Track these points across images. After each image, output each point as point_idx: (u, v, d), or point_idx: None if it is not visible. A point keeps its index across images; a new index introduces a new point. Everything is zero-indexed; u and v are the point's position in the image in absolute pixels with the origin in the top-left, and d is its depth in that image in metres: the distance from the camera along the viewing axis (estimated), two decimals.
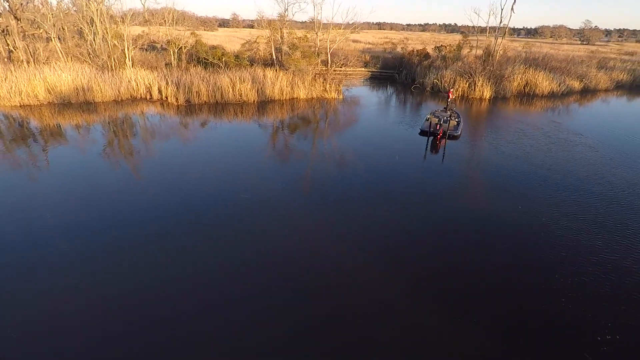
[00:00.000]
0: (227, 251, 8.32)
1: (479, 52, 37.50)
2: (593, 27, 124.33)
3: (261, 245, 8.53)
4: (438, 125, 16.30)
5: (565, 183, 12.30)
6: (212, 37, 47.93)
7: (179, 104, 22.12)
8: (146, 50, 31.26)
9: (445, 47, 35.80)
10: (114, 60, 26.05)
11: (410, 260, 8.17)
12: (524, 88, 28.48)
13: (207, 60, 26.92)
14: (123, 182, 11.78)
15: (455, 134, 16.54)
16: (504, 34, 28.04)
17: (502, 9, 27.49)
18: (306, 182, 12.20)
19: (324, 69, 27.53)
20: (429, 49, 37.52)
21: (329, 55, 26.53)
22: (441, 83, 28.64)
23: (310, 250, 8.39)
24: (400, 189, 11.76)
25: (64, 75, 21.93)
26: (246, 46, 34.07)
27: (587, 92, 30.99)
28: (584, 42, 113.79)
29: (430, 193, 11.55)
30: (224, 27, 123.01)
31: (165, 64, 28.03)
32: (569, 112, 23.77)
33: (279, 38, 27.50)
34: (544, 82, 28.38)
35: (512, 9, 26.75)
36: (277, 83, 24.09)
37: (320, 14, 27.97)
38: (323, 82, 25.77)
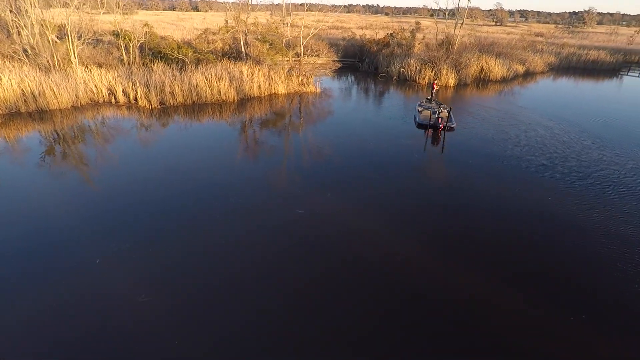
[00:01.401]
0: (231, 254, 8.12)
1: (432, 36, 39.43)
2: (501, 9, 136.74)
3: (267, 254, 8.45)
4: (440, 119, 17.07)
5: (573, 171, 13.82)
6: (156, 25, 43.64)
7: (153, 106, 20.17)
8: (90, 44, 27.67)
9: (398, 33, 36.91)
10: (57, 58, 22.72)
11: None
12: (480, 74, 30.75)
13: (171, 55, 24.63)
14: (102, 196, 10.67)
15: (452, 126, 17.46)
16: (462, 22, 29.67)
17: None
18: (308, 185, 11.97)
19: (294, 60, 26.89)
20: (381, 35, 38.50)
21: (301, 47, 25.88)
22: (407, 71, 29.71)
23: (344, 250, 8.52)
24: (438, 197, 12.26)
25: (5, 79, 18.67)
26: (203, 37, 31.86)
27: (529, 75, 34.49)
28: (498, 24, 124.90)
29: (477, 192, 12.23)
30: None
31: (120, 61, 25.13)
32: (529, 97, 26.19)
33: (244, 28, 26.06)
34: (495, 68, 30.91)
35: None
36: (254, 79, 23.07)
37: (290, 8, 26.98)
38: (298, 76, 25.25)
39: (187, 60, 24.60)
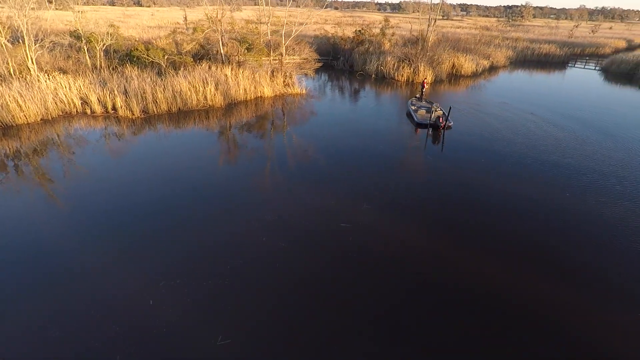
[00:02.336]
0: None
1: (403, 32, 40.22)
2: (445, 2, 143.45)
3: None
4: (440, 118, 17.45)
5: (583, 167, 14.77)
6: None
7: (135, 116, 18.66)
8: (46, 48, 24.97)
9: (366, 31, 37.10)
10: (13, 65, 20.29)
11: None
12: (452, 70, 31.94)
13: (146, 59, 22.88)
14: (94, 216, 9.84)
15: (450, 124, 17.94)
16: (435, 20, 30.53)
17: None
18: (323, 189, 11.89)
19: (274, 60, 26.17)
20: (349, 32, 38.64)
21: (283, 47, 25.24)
22: (385, 69, 30.10)
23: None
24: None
25: None
26: (172, 37, 30.03)
27: (493, 69, 36.44)
28: (445, 17, 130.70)
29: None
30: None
31: (85, 66, 22.95)
32: (506, 92, 27.55)
33: (219, 28, 24.84)
34: (466, 64, 32.27)
35: None
36: (240, 83, 22.16)
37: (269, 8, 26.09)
38: (283, 77, 24.64)
39: (163, 63, 23.02)
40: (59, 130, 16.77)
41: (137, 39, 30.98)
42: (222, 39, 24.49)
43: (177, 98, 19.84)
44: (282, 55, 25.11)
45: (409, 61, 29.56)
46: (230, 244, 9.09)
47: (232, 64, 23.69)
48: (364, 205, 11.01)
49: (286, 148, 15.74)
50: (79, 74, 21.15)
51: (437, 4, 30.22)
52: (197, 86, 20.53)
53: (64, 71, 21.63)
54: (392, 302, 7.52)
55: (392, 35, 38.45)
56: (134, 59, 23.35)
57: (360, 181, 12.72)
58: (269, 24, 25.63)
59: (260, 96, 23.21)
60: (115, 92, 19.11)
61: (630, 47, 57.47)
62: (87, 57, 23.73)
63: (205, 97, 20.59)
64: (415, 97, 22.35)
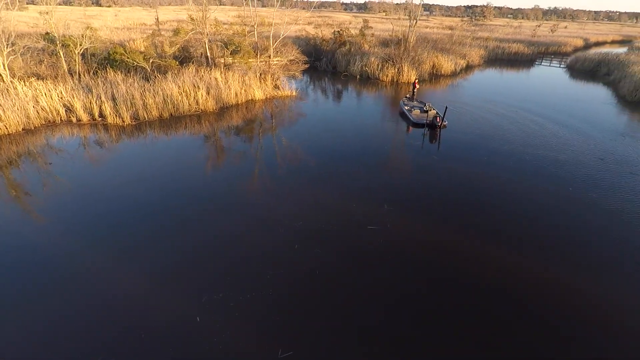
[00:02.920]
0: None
1: (377, 32, 40.87)
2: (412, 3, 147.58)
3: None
4: (438, 118, 17.90)
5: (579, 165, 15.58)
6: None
7: (125, 123, 17.86)
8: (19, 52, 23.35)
9: (344, 32, 37.34)
10: None
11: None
12: (432, 70, 32.82)
13: (131, 63, 21.91)
14: (92, 225, 9.52)
15: (445, 124, 18.44)
16: (416, 20, 31.23)
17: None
18: (332, 190, 12.02)
19: (261, 62, 25.85)
20: (327, 33, 38.88)
21: (272, 49, 24.97)
22: (370, 70, 30.49)
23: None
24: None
25: None
26: (151, 39, 29.00)
27: (470, 68, 37.79)
28: (403, 19, 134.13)
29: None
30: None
31: (63, 71, 21.68)
32: (489, 90, 28.64)
33: (205, 30, 24.22)
34: (445, 64, 33.26)
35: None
36: (231, 86, 21.72)
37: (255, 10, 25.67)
38: (272, 80, 24.41)
39: (148, 67, 22.15)
40: (45, 140, 15.76)
41: (112, 42, 29.63)
42: (207, 41, 23.90)
43: (168, 103, 19.19)
44: (269, 57, 24.84)
45: (392, 62, 30.08)
46: (260, 255, 8.94)
47: (220, 67, 23.17)
48: (385, 207, 11.14)
49: (288, 150, 15.60)
50: (57, 80, 19.94)
51: (418, 5, 30.79)
52: (188, 91, 19.94)
53: (40, 77, 20.34)
54: (406, 299, 7.68)
55: (372, 36, 38.99)
56: (116, 62, 22.30)
57: (366, 180, 12.91)
58: (255, 26, 25.25)
59: (252, 99, 22.86)
60: (103, 98, 18.21)
61: (587, 46, 61.45)
62: (63, 62, 22.40)
63: (197, 102, 20.04)
64: (406, 97, 22.80)
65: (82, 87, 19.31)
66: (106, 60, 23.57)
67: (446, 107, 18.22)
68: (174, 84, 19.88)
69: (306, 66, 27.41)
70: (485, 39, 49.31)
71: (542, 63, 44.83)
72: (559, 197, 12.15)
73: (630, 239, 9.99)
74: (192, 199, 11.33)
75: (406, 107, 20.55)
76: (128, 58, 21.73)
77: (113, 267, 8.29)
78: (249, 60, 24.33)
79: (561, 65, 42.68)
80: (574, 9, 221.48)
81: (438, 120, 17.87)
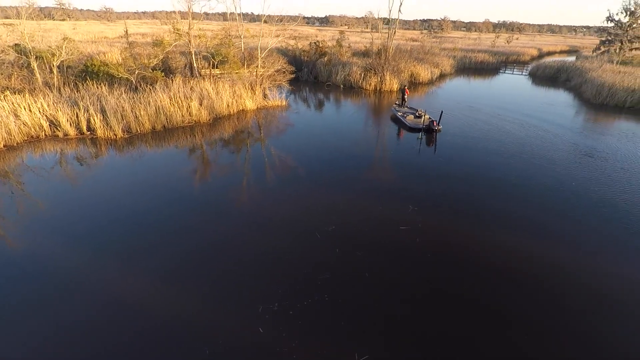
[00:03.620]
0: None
1: (355, 45, 41.91)
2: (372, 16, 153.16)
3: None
4: (435, 122, 18.49)
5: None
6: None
7: (118, 136, 16.99)
8: None
9: (320, 43, 38.01)
10: None
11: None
12: (411, 78, 34.02)
13: (116, 75, 20.93)
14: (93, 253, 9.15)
15: (440, 128, 19.09)
16: (394, 32, 32.35)
17: (390, 10, 31.61)
18: (344, 198, 12.20)
19: (249, 72, 25.67)
20: (302, 44, 39.52)
21: (259, 59, 24.83)
22: (353, 79, 31.11)
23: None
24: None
25: None
26: (129, 51, 27.96)
27: (443, 76, 39.55)
28: (374, 30, 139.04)
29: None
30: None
31: (44, 84, 20.35)
32: (468, 96, 29.99)
33: (192, 41, 23.74)
34: (422, 72, 34.62)
35: (399, 10, 31.16)
36: (223, 97, 21.34)
37: (239, 7, 25.51)
38: (262, 90, 24.25)
39: (133, 79, 21.28)
40: (31, 156, 14.64)
41: (82, 55, 28.27)
42: (193, 52, 23.41)
43: (161, 115, 18.51)
44: (257, 68, 24.70)
45: (374, 71, 30.88)
46: (305, 261, 8.75)
47: (208, 78, 22.71)
48: (410, 207, 11.30)
49: (289, 159, 15.32)
50: (35, 93, 18.67)
51: (395, 19, 31.90)
52: (181, 102, 19.36)
53: (15, 91, 18.95)
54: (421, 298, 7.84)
55: (349, 47, 39.92)
56: (97, 75, 21.26)
57: (372, 184, 13.04)
58: (242, 36, 25.07)
59: (243, 109, 22.57)
60: (91, 111, 17.24)
61: (541, 55, 66.34)
62: (38, 74, 21.03)
63: (190, 113, 19.49)
64: (396, 103, 23.43)
65: (66, 100, 18.19)
66: (84, 72, 22.43)
67: (441, 112, 18.91)
68: (165, 95, 19.23)
69: (292, 76, 27.47)
70: (452, 49, 51.90)
71: (506, 71, 47.76)
72: (567, 190, 12.89)
73: (619, 221, 10.76)
74: (212, 212, 10.90)
75: (399, 113, 21.10)
76: (113, 70, 20.75)
77: (151, 288, 7.78)
78: (238, 70, 24.06)
79: (523, 73, 45.68)
80: (521, 22, 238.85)
81: (435, 124, 18.47)
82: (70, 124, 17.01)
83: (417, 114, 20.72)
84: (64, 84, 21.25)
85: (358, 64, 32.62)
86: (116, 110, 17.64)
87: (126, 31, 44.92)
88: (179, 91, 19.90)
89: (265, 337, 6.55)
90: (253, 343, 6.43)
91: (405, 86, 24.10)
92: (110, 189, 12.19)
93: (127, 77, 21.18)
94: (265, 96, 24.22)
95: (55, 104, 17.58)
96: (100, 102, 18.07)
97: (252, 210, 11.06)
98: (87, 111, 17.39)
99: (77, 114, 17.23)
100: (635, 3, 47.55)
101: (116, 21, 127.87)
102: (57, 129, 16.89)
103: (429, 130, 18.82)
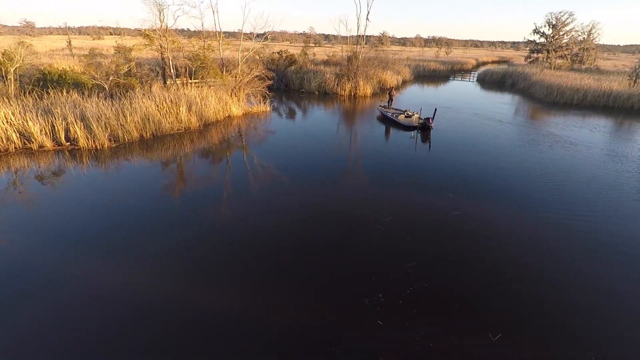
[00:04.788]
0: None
1: (323, 56, 42.53)
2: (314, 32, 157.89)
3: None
4: (430, 119, 19.12)
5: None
6: None
7: (105, 146, 15.25)
8: None
9: (284, 52, 38.11)
10: None
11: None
12: (380, 84, 35.19)
13: (87, 83, 18.86)
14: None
15: (432, 125, 19.79)
16: (364, 40, 33.33)
17: (358, 19, 32.56)
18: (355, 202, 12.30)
19: (229, 77, 24.72)
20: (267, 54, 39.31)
21: (240, 66, 24.04)
22: (327, 86, 31.39)
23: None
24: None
25: None
26: (91, 59, 25.62)
27: (405, 82, 41.49)
28: (317, 45, 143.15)
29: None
30: None
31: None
32: (440, 98, 31.54)
33: (168, 46, 22.33)
34: (389, 79, 36.01)
35: (367, 18, 32.23)
36: (210, 103, 20.25)
37: (218, 22, 24.52)
38: (245, 96, 23.47)
39: (106, 86, 19.39)
40: (5, 172, 12.52)
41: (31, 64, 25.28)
42: (170, 57, 22.00)
43: (149, 122, 17.01)
44: (238, 73, 23.89)
45: (347, 77, 31.46)
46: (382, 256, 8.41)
47: (187, 85, 21.46)
48: (451, 195, 11.46)
49: (290, 161, 14.80)
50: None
51: (364, 32, 32.92)
52: (169, 108, 18.01)
53: None
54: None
55: (314, 56, 40.38)
56: (63, 83, 19.05)
57: (393, 178, 13.13)
58: (220, 41, 24.15)
59: (229, 116, 21.59)
60: (70, 119, 15.31)
61: (479, 64, 72.61)
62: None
63: (179, 120, 18.17)
64: (381, 105, 23.98)
65: (34, 109, 15.98)
66: (41, 80, 20.00)
67: (435, 110, 19.66)
68: (150, 101, 17.75)
69: (271, 82, 26.95)
70: (406, 58, 54.83)
71: (455, 79, 51.43)
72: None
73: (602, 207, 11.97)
74: (211, 228, 10.10)
75: (389, 113, 21.59)
76: (85, 78, 18.76)
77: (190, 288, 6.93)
78: (220, 77, 23.06)
79: (471, 80, 49.50)
80: (448, 37, 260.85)
81: (430, 121, 19.13)
82: (47, 135, 14.95)
83: (406, 114, 21.35)
84: (22, 92, 18.74)
85: (330, 72, 33.00)
86: (99, 118, 15.87)
87: (69, 42, 41.51)
88: (165, 97, 18.47)
89: (386, 328, 6.10)
90: (373, 336, 5.94)
91: (392, 88, 24.83)
92: (105, 203, 10.61)
93: (99, 85, 19.23)
94: (249, 102, 23.44)
95: (22, 114, 15.35)
96: (78, 110, 16.13)
97: (304, 205, 10.44)
98: (66, 120, 15.42)
99: (53, 123, 15.20)
100: (556, 18, 54.56)
101: (40, 36, 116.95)
102: (28, 141, 14.71)
103: (424, 128, 19.44)
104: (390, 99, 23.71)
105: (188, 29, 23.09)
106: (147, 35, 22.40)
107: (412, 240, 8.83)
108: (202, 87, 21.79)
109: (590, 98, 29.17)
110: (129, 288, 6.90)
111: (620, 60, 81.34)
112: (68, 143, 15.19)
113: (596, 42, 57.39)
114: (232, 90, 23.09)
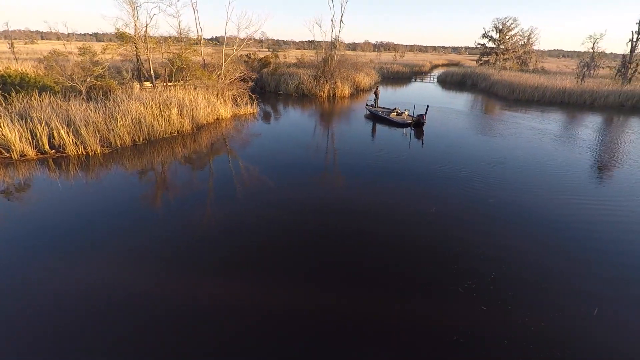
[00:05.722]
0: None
1: (292, 59, 42.33)
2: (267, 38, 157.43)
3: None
4: (424, 116, 19.65)
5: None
6: None
7: (99, 153, 13.88)
8: None
9: (252, 55, 37.57)
10: None
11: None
12: (355, 85, 35.71)
13: (54, 86, 17.03)
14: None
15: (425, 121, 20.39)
16: (338, 43, 33.63)
17: (332, 21, 32.87)
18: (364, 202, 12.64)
19: (214, 78, 23.70)
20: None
21: (223, 68, 23.12)
22: (306, 87, 31.25)
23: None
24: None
25: None
26: (51, 61, 23.26)
27: (376, 83, 42.38)
28: (272, 50, 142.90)
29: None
30: None
31: None
32: (413, 97, 32.56)
33: (148, 45, 20.93)
34: (363, 80, 36.69)
35: (341, 20, 32.61)
36: (199, 105, 19.24)
37: (198, 21, 23.34)
38: (232, 97, 22.65)
39: (82, 89, 17.71)
40: None
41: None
42: (150, 58, 20.64)
43: (142, 126, 15.78)
44: (222, 74, 23.00)
45: (325, 78, 31.56)
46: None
47: (167, 87, 20.26)
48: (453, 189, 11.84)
49: (295, 160, 14.46)
50: None
51: (338, 34, 33.27)
52: (160, 111, 16.84)
53: None
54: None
55: (285, 59, 40.09)
56: (26, 86, 17.09)
57: (399, 172, 13.37)
58: (201, 41, 23.07)
59: (218, 118, 20.67)
60: (54, 124, 13.75)
61: (433, 67, 76.39)
62: None
63: (171, 123, 17.06)
64: (368, 104, 24.31)
65: (9, 115, 14.13)
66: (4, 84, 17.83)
67: (427, 106, 20.28)
68: (139, 104, 16.48)
69: (251, 84, 26.28)
70: (369, 61, 56.22)
71: (417, 80, 53.67)
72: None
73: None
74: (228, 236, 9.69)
75: (379, 111, 21.94)
76: (48, 82, 17.00)
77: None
78: (209, 77, 22.01)
79: (431, 81, 51.93)
80: (395, 43, 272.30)
81: (424, 118, 19.70)
82: (29, 143, 13.28)
83: (396, 112, 21.84)
84: None
85: (305, 73, 32.90)
86: (87, 123, 14.42)
87: (12, 43, 37.63)
88: (155, 100, 17.25)
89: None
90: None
91: (378, 87, 25.25)
92: (109, 210, 9.61)
93: (73, 87, 17.51)
94: (235, 104, 22.64)
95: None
96: (60, 114, 14.53)
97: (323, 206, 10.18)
98: (48, 125, 13.81)
99: (35, 129, 13.54)
100: (502, 23, 59.11)
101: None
102: (6, 150, 12.98)
103: (418, 124, 19.97)
104: (377, 98, 24.12)
105: (169, 34, 21.52)
106: (122, 34, 20.85)
107: (470, 231, 8.98)
108: (187, 88, 20.69)
109: (549, 95, 31.86)
110: (140, 297, 6.27)
111: (550, 62, 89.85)
112: (53, 150, 13.61)
113: (535, 47, 62.96)
114: (218, 92, 22.16)
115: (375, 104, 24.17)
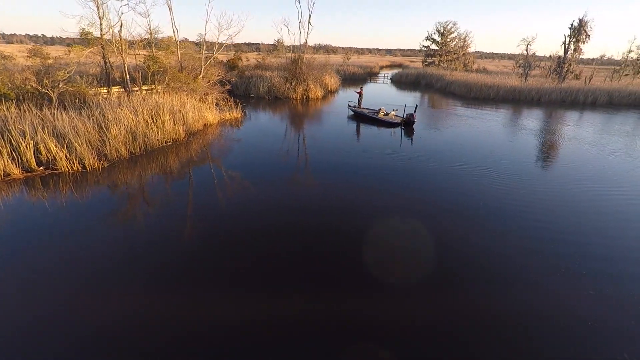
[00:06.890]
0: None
1: (253, 61, 41.31)
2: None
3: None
4: (414, 115, 20.28)
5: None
6: None
7: (98, 167, 12.33)
8: None
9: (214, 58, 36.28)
10: None
11: None
12: (324, 86, 35.84)
13: (30, 92, 14.74)
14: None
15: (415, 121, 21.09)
16: (306, 46, 33.47)
17: (300, 22, 32.66)
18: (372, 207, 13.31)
19: (200, 83, 22.26)
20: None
21: (202, 71, 21.76)
22: (278, 90, 30.69)
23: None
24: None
25: None
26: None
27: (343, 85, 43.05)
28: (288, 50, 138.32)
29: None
30: None
31: None
32: (377, 97, 33.39)
33: (123, 47, 19.01)
34: (330, 82, 36.96)
35: (309, 22, 32.50)
36: (188, 110, 17.97)
37: (173, 20, 21.58)
38: (215, 102, 21.48)
39: (53, 95, 15.59)
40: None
41: None
42: (124, 61, 18.78)
43: (137, 136, 14.32)
44: (200, 78, 21.71)
45: (297, 80, 31.26)
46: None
47: (141, 92, 18.68)
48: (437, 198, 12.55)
49: (299, 163, 14.30)
50: None
51: (306, 36, 33.12)
52: (153, 119, 15.44)
53: None
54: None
55: (248, 61, 39.02)
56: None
57: (388, 180, 13.93)
58: (177, 43, 21.48)
59: (206, 124, 19.48)
60: (41, 136, 11.94)
61: (381, 67, 79.36)
62: None
63: (164, 131, 15.71)
64: (351, 105, 24.53)
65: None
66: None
67: (416, 106, 21.03)
68: (128, 111, 14.94)
69: (229, 87, 25.16)
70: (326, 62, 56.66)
71: (371, 80, 55.34)
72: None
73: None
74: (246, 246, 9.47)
75: (367, 112, 22.29)
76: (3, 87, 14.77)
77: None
78: (194, 81, 20.57)
79: (385, 82, 53.89)
80: (333, 45, 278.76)
81: (414, 117, 20.37)
82: (10, 159, 11.36)
83: (385, 111, 22.34)
84: None
85: (275, 75, 32.31)
86: (77, 135, 12.73)
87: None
88: (141, 106, 15.74)
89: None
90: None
91: (361, 87, 25.56)
92: (130, 244, 8.88)
93: (44, 93, 15.35)
94: (219, 108, 21.50)
95: None
96: (40, 125, 12.65)
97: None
98: (33, 139, 11.95)
99: (19, 144, 11.62)
100: (443, 27, 63.34)
101: None
102: None
103: (409, 123, 20.62)
104: (360, 98, 24.46)
105: (140, 35, 19.55)
106: (86, 35, 18.72)
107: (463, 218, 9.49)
108: (170, 93, 19.20)
109: (502, 93, 34.84)
110: (168, 318, 5.89)
111: (488, 63, 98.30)
112: (42, 167, 11.80)
113: (470, 50, 68.38)
114: (200, 96, 20.86)
115: (359, 104, 24.48)
